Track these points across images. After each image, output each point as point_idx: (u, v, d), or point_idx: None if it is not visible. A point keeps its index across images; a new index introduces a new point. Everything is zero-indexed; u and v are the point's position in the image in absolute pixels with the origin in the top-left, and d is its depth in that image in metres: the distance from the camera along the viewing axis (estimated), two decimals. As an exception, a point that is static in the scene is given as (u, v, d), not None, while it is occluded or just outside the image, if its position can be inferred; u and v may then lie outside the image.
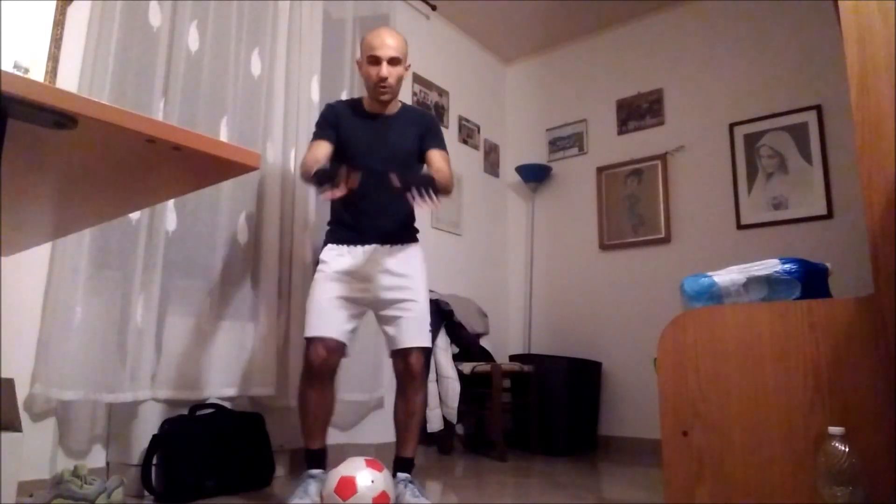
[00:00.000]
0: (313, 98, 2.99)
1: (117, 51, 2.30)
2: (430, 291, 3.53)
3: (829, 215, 3.26)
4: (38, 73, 2.12)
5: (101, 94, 2.22)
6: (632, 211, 3.93)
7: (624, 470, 2.99)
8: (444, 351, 3.41)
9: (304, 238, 2.86)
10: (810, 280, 1.55)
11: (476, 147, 4.32)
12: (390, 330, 2.19)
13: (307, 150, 2.25)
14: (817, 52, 3.40)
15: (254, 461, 2.41)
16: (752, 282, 1.60)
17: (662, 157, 3.86)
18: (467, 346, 3.62)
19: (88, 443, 2.22)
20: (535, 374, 3.56)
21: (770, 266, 1.59)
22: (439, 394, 3.34)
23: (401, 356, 2.17)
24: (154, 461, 2.15)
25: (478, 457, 3.36)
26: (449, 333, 3.48)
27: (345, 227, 2.25)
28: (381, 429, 3.23)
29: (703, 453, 1.55)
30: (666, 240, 3.77)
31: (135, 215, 2.29)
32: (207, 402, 2.41)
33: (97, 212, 1.25)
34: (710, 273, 1.68)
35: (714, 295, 1.64)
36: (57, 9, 2.21)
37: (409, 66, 2.29)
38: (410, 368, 2.15)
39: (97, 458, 2.23)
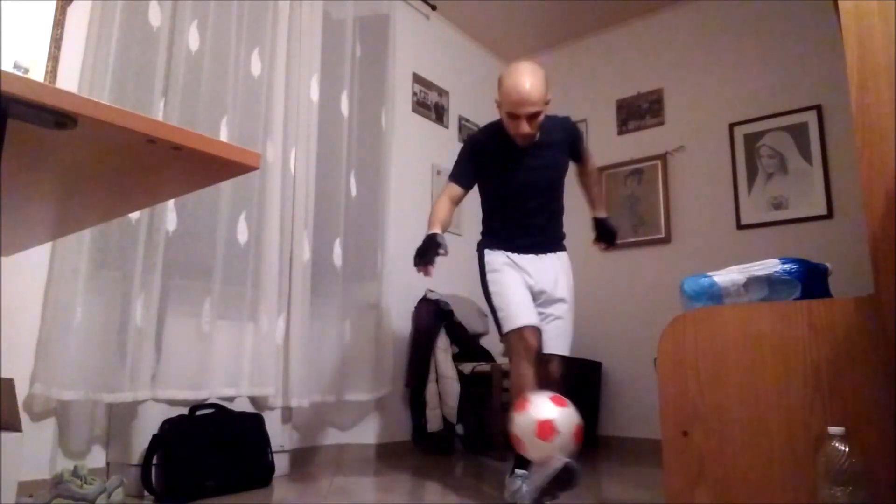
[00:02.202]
0: (313, 98, 3.00)
1: (117, 51, 2.30)
2: (430, 291, 3.55)
3: (829, 215, 3.26)
4: (38, 73, 2.12)
5: (101, 94, 2.22)
6: (632, 211, 3.92)
7: (624, 470, 2.99)
8: (444, 351, 3.41)
9: (303, 238, 2.86)
10: (810, 280, 1.55)
11: (476, 147, 4.32)
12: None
13: (443, 189, 2.38)
14: (817, 52, 3.40)
15: (254, 461, 2.41)
16: (752, 282, 1.59)
17: (662, 157, 3.86)
18: (467, 346, 3.62)
19: (88, 443, 2.22)
20: (536, 373, 3.55)
21: (770, 266, 1.59)
22: (439, 394, 3.34)
23: (541, 361, 2.20)
24: (154, 461, 2.15)
25: (478, 457, 3.36)
26: (449, 333, 3.48)
27: (502, 240, 2.34)
28: (381, 429, 3.24)
29: (703, 453, 1.55)
30: (666, 240, 3.77)
31: (135, 215, 2.29)
32: (207, 402, 2.41)
33: (97, 212, 1.25)
34: (710, 273, 1.68)
35: (714, 295, 1.64)
36: (57, 9, 2.21)
37: (550, 99, 2.21)
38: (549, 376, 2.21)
39: (97, 458, 2.23)
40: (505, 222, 2.35)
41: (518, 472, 2.12)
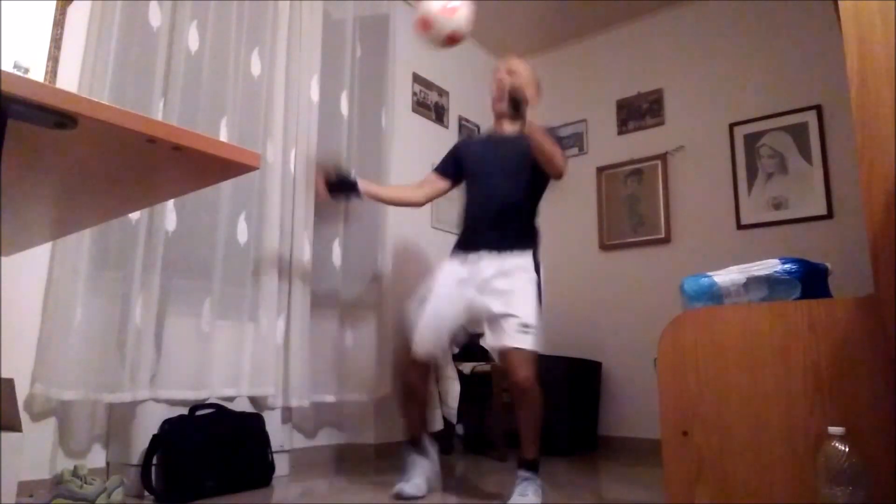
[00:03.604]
0: (313, 98, 2.99)
1: (117, 51, 2.30)
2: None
3: (829, 215, 3.26)
4: (38, 73, 2.12)
5: (101, 94, 2.22)
6: (632, 211, 3.92)
7: (624, 470, 2.99)
8: (444, 351, 3.41)
9: (303, 238, 2.86)
10: (810, 280, 1.55)
11: (476, 147, 4.32)
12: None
13: None
14: (817, 52, 3.40)
15: (254, 461, 2.41)
16: (752, 282, 1.59)
17: (662, 157, 3.86)
18: (467, 346, 3.61)
19: (88, 443, 2.22)
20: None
21: (770, 266, 1.59)
22: (439, 394, 3.33)
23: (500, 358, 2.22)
24: (154, 461, 2.15)
25: (478, 457, 3.36)
26: (449, 333, 3.48)
27: (463, 236, 2.44)
28: (381, 429, 3.24)
29: (703, 453, 1.55)
30: (666, 240, 3.77)
31: (135, 215, 2.29)
32: (207, 402, 2.41)
33: (97, 212, 1.25)
34: (710, 273, 1.68)
35: (714, 295, 1.64)
36: (57, 9, 2.21)
37: (538, 96, 2.45)
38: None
39: (97, 458, 2.23)
40: (471, 211, 2.40)
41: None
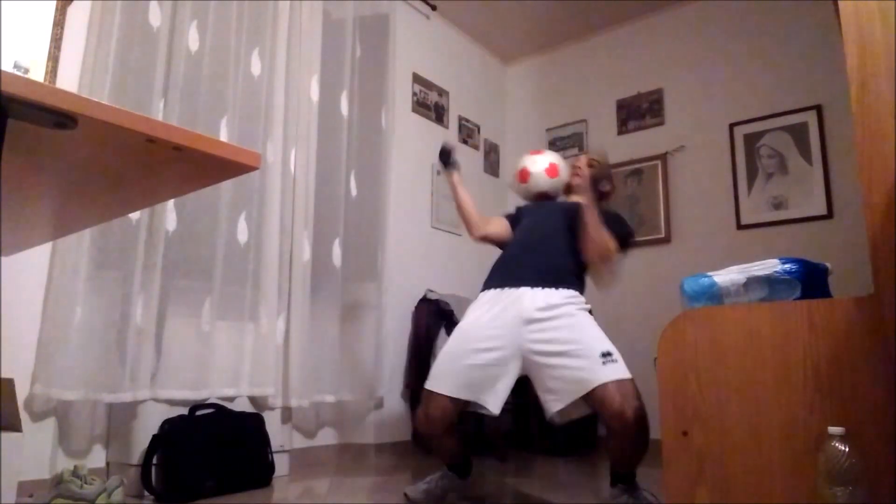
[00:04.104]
0: (313, 98, 3.00)
1: (117, 51, 2.30)
2: (430, 291, 3.55)
3: (829, 215, 3.26)
4: (38, 73, 2.12)
5: (101, 94, 2.22)
6: (632, 211, 3.92)
7: (624, 470, 2.98)
8: (444, 351, 3.40)
9: (303, 238, 2.86)
10: (810, 280, 1.54)
11: (476, 147, 4.32)
12: None
13: None
14: (817, 52, 3.40)
15: (254, 461, 2.41)
16: (752, 282, 1.59)
17: (662, 157, 3.86)
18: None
19: (88, 443, 2.22)
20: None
21: (770, 266, 1.59)
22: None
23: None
24: (154, 461, 2.15)
25: (478, 457, 3.36)
26: (449, 333, 3.47)
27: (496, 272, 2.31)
28: (381, 429, 3.24)
29: (703, 453, 1.54)
30: (666, 240, 3.77)
31: (135, 215, 2.29)
32: (207, 402, 2.41)
33: (97, 212, 1.25)
34: (710, 273, 1.67)
35: (714, 295, 1.64)
36: (57, 9, 2.21)
37: (607, 191, 2.44)
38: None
39: (97, 458, 2.23)
40: (513, 251, 2.26)
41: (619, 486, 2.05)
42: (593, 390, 1.86)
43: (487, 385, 2.01)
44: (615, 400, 1.85)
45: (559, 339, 1.95)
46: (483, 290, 2.20)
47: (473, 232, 2.38)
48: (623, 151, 4.03)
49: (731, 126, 3.64)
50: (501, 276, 2.16)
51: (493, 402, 2.02)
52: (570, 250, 2.14)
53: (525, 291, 2.05)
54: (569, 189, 2.39)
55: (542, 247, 2.16)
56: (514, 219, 2.42)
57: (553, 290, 2.04)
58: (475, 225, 2.37)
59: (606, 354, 1.90)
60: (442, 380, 2.03)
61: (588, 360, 1.89)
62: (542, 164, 2.35)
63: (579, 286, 2.14)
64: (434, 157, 3.89)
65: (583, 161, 2.38)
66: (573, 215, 2.17)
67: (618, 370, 1.89)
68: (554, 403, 1.95)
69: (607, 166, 2.46)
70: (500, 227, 2.38)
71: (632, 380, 1.91)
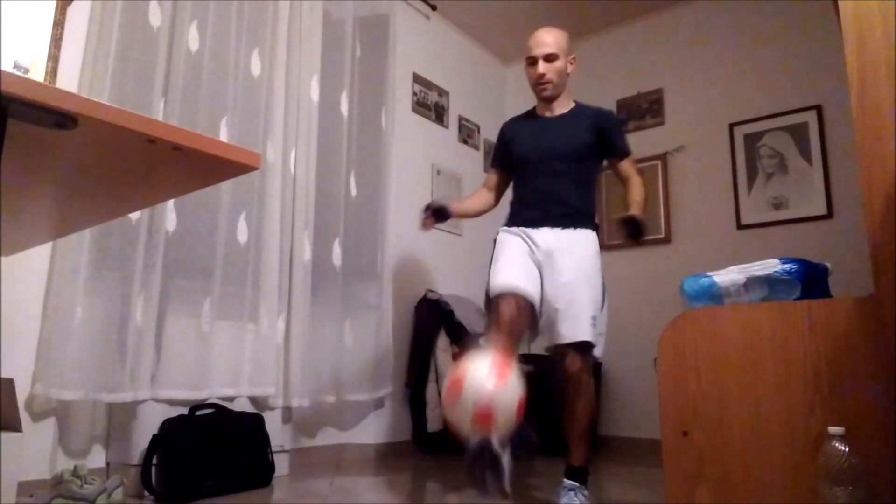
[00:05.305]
0: (313, 98, 3.00)
1: (117, 51, 2.30)
2: (430, 291, 3.55)
3: (829, 215, 3.26)
4: (38, 73, 2.12)
5: (101, 94, 2.22)
6: (632, 211, 3.92)
7: (624, 470, 2.98)
8: (444, 351, 3.41)
9: (303, 238, 2.86)
10: (810, 280, 1.55)
11: (476, 147, 4.32)
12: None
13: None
14: (817, 52, 3.40)
15: (254, 461, 2.41)
16: (752, 282, 1.59)
17: (662, 157, 3.86)
18: (467, 346, 3.61)
19: (88, 443, 2.22)
20: (535, 374, 3.55)
21: (770, 266, 1.59)
22: (439, 394, 3.33)
23: (557, 353, 2.10)
24: (154, 461, 2.15)
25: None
26: (449, 333, 3.48)
27: (518, 215, 2.31)
28: (381, 429, 3.24)
29: (703, 453, 1.55)
30: (666, 240, 3.77)
31: (135, 215, 2.29)
32: (207, 402, 2.41)
33: (97, 212, 1.25)
34: (710, 273, 1.67)
35: (714, 295, 1.64)
36: (57, 9, 2.21)
37: (574, 57, 2.37)
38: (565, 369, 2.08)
39: (97, 458, 2.23)
40: (525, 193, 2.30)
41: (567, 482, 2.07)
42: (566, 345, 2.05)
43: (535, 280, 2.12)
44: (573, 355, 2.06)
45: (567, 285, 2.10)
46: (506, 226, 2.30)
47: (492, 208, 2.51)
48: (623, 151, 4.03)
49: (731, 126, 3.64)
50: (521, 221, 2.26)
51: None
52: (587, 181, 2.30)
53: (546, 231, 2.19)
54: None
55: (561, 188, 2.23)
56: (504, 145, 2.41)
57: (572, 230, 2.20)
58: (490, 204, 2.49)
59: (594, 318, 2.09)
60: (503, 276, 2.09)
61: (580, 315, 2.07)
62: (508, 404, 1.73)
63: (595, 225, 2.28)
64: (435, 159, 3.91)
65: (543, 67, 2.25)
66: (579, 140, 2.25)
67: (593, 334, 2.07)
68: (550, 338, 2.13)
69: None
70: (503, 179, 2.46)
71: (593, 345, 2.10)
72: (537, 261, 2.17)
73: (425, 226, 2.32)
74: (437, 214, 2.32)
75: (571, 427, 2.11)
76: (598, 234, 2.28)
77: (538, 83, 2.28)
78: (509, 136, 2.40)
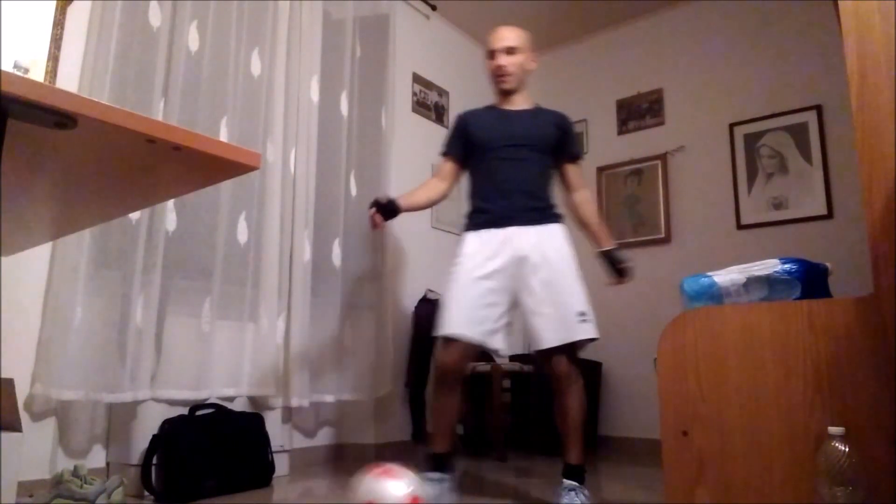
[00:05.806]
0: (313, 98, 3.00)
1: (117, 51, 2.30)
2: (430, 291, 3.55)
3: (829, 215, 3.26)
4: (38, 73, 2.12)
5: (101, 94, 2.22)
6: (632, 211, 3.92)
7: (624, 470, 2.98)
8: (444, 351, 3.40)
9: (303, 238, 2.86)
10: (810, 280, 1.55)
11: (476, 147, 4.32)
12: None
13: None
14: (817, 52, 3.40)
15: (254, 461, 2.41)
16: (752, 282, 1.59)
17: (662, 157, 3.86)
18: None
19: (88, 443, 2.22)
20: (535, 374, 3.56)
21: (770, 266, 1.59)
22: (439, 394, 3.33)
23: (542, 358, 2.12)
24: (154, 461, 2.15)
25: (478, 457, 3.36)
26: (449, 333, 3.48)
27: (482, 213, 2.26)
28: (381, 429, 3.24)
29: (703, 453, 1.55)
30: (666, 240, 3.77)
31: (135, 215, 2.29)
32: (207, 402, 2.41)
33: (97, 212, 1.25)
34: (710, 273, 1.67)
35: (714, 295, 1.64)
36: (57, 9, 2.21)
37: (534, 57, 2.38)
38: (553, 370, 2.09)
39: (97, 458, 2.23)
40: (486, 182, 2.25)
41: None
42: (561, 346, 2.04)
43: (489, 321, 2.09)
44: (561, 355, 2.06)
45: (548, 282, 2.09)
46: (467, 230, 2.26)
47: (444, 198, 2.42)
48: (623, 151, 4.03)
49: (731, 126, 3.64)
50: (486, 219, 2.21)
51: (499, 342, 2.13)
52: (548, 176, 2.30)
53: (514, 231, 2.16)
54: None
55: (527, 182, 2.22)
56: (461, 135, 2.34)
57: (541, 227, 2.18)
58: (443, 194, 2.38)
59: (582, 313, 2.07)
60: (453, 323, 2.08)
61: (567, 315, 2.05)
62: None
63: (560, 217, 2.27)
64: (435, 159, 3.90)
65: (502, 59, 2.26)
66: (541, 134, 2.25)
67: (587, 330, 2.06)
68: (534, 344, 2.13)
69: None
70: (456, 168, 2.37)
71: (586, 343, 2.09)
72: (503, 283, 2.12)
73: (375, 224, 2.21)
74: (384, 210, 2.22)
75: (566, 424, 2.12)
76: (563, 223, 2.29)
77: (497, 75, 2.28)
78: (470, 122, 2.33)
